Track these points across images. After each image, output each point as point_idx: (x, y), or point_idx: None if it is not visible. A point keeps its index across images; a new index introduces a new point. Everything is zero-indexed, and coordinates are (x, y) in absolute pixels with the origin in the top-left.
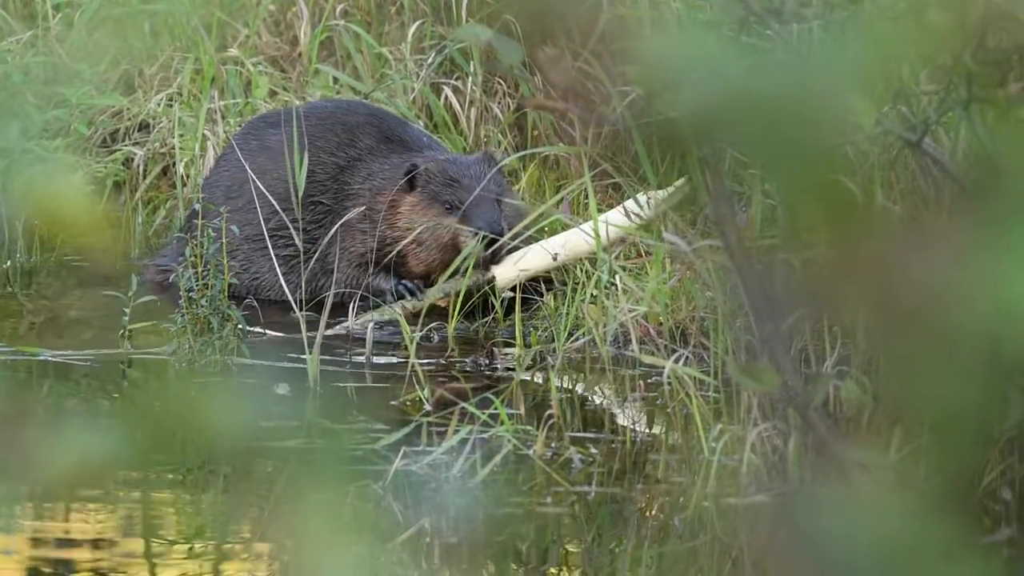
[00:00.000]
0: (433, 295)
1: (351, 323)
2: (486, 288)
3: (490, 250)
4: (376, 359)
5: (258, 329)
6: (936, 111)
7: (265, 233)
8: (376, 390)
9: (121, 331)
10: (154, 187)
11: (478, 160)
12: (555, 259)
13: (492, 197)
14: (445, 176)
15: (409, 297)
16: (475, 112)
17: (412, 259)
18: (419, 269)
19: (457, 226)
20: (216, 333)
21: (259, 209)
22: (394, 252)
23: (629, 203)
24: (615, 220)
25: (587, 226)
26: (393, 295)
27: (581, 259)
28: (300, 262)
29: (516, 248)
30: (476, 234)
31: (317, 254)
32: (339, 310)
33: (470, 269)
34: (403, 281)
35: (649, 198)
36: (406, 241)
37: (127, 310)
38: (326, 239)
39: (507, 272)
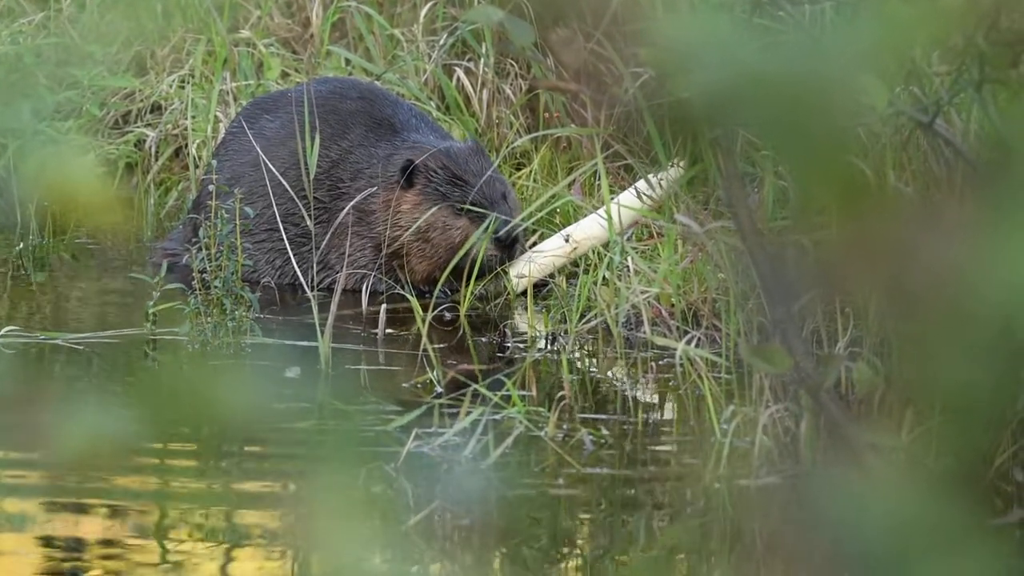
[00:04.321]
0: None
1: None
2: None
3: (508, 253)
4: (388, 339)
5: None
6: (948, 92)
7: (280, 224)
8: (388, 372)
9: (145, 313)
10: (166, 169)
11: (472, 151)
12: (567, 240)
13: (499, 195)
14: (448, 173)
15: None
16: (487, 93)
17: (417, 257)
18: (422, 267)
19: (470, 228)
20: (229, 315)
21: (268, 198)
22: (398, 250)
23: (640, 184)
24: (626, 202)
25: (602, 211)
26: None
27: (596, 247)
28: (296, 255)
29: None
30: (495, 238)
31: (319, 253)
32: (345, 294)
33: (478, 268)
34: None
35: (660, 179)
36: (411, 239)
37: (155, 293)
38: (325, 240)
39: (536, 270)
